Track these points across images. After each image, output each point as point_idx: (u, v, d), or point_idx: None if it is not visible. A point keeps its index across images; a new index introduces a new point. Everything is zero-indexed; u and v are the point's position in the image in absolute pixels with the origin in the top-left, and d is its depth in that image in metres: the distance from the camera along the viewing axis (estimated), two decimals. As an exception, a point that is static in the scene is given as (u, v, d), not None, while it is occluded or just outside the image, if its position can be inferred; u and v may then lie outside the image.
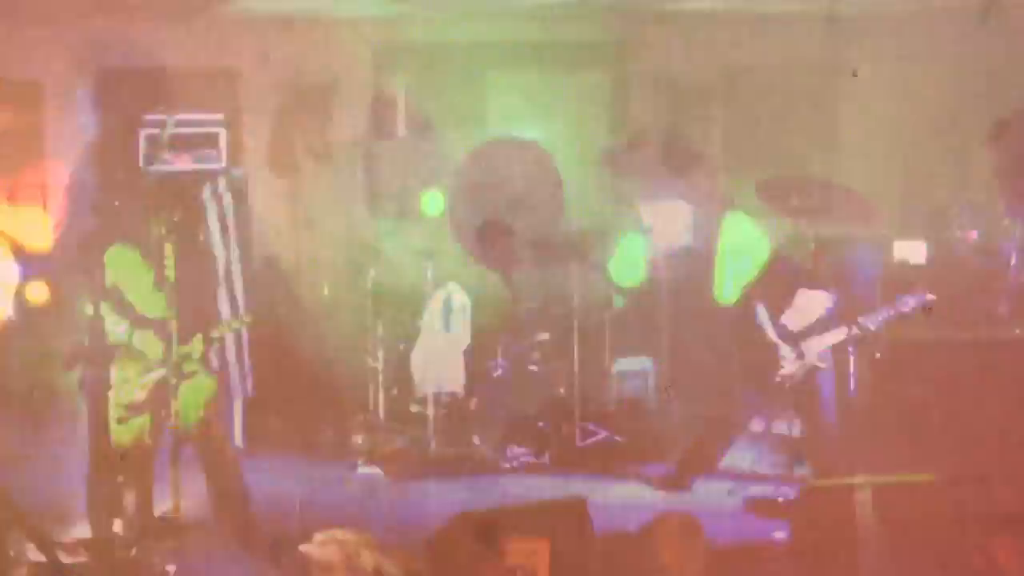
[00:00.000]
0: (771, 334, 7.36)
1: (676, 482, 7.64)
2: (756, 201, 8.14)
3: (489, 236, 9.40)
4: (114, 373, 6.29)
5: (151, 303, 6.50)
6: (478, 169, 9.92)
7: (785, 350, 7.32)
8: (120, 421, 6.38)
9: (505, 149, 10.04)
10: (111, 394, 6.24)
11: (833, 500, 6.14)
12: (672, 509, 5.93)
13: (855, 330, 7.27)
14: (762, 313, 7.41)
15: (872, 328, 7.26)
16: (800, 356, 7.31)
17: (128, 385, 6.41)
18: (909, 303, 7.18)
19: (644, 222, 9.52)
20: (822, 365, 7.33)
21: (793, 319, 7.41)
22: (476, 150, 9.95)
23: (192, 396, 6.54)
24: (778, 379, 7.32)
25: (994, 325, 7.89)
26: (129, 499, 6.47)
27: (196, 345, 6.50)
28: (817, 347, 7.33)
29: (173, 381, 6.47)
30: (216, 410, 6.76)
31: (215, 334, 6.62)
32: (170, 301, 6.44)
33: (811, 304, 7.39)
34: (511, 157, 10.02)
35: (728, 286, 8.81)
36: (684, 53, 10.33)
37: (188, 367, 6.49)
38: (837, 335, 7.33)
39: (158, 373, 6.43)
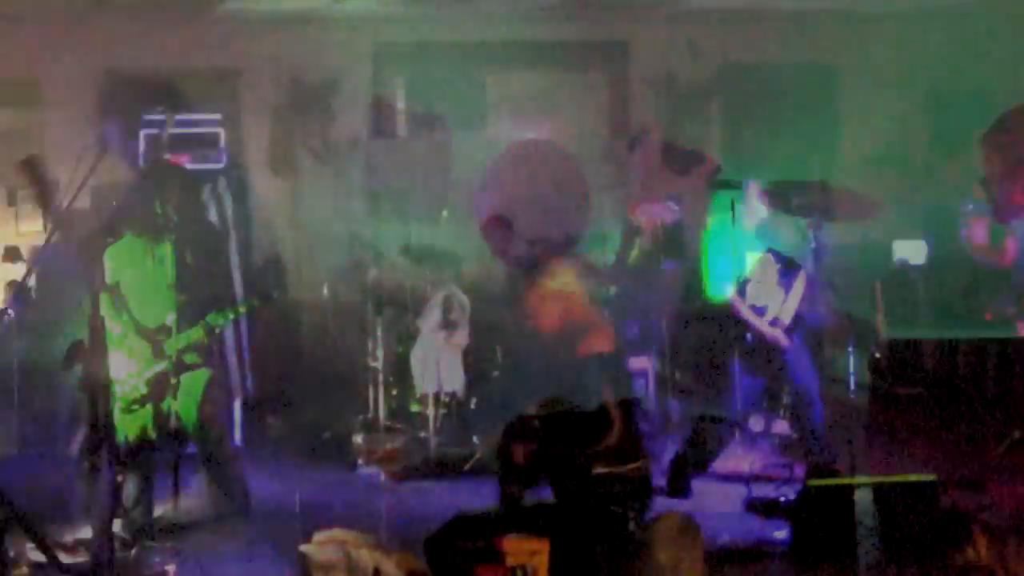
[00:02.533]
0: (748, 315, 7.41)
1: (674, 489, 7.63)
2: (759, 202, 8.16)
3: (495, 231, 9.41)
4: (118, 366, 6.28)
5: (151, 297, 6.51)
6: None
7: (765, 316, 7.39)
8: (126, 411, 6.40)
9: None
10: (117, 388, 6.24)
11: (833, 500, 6.15)
12: (671, 509, 5.92)
13: (809, 278, 7.34)
14: (739, 303, 7.47)
15: (821, 267, 7.37)
16: (777, 323, 7.37)
17: (132, 380, 6.41)
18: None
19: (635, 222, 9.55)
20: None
21: (757, 291, 7.44)
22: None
23: (192, 390, 6.55)
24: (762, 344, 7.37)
25: (995, 325, 7.90)
26: (129, 498, 6.47)
27: (196, 334, 6.51)
28: (791, 310, 7.38)
29: (173, 380, 6.48)
30: (216, 405, 6.75)
31: (217, 322, 6.61)
32: (171, 292, 6.46)
33: (762, 269, 7.43)
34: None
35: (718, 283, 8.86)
36: (684, 53, 10.34)
37: (189, 359, 6.51)
38: (798, 291, 7.37)
39: (160, 366, 6.44)
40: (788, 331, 7.39)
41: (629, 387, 8.66)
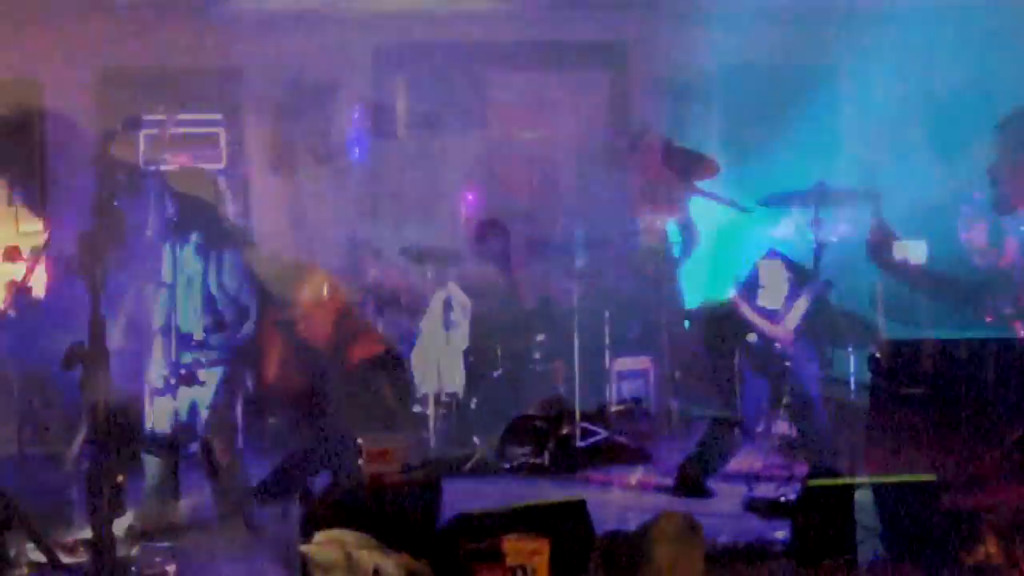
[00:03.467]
0: (750, 315, 7.45)
1: (693, 488, 7.62)
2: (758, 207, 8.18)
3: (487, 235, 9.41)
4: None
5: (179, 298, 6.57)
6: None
7: (770, 322, 7.43)
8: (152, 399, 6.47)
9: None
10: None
11: (833, 500, 6.15)
12: (672, 509, 5.92)
13: (816, 289, 7.38)
14: (741, 303, 7.51)
15: (828, 279, 7.41)
16: (783, 325, 7.42)
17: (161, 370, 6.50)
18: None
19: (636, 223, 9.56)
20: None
21: (766, 296, 7.50)
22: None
23: (199, 390, 6.57)
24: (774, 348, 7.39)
25: (994, 325, 7.89)
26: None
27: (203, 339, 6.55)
28: (794, 321, 7.44)
29: (173, 381, 6.50)
30: (222, 405, 6.76)
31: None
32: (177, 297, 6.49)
33: (772, 275, 7.48)
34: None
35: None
36: (684, 53, 10.33)
37: (207, 358, 6.54)
38: (804, 301, 7.43)
39: (182, 363, 6.48)
40: (795, 335, 7.43)
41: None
